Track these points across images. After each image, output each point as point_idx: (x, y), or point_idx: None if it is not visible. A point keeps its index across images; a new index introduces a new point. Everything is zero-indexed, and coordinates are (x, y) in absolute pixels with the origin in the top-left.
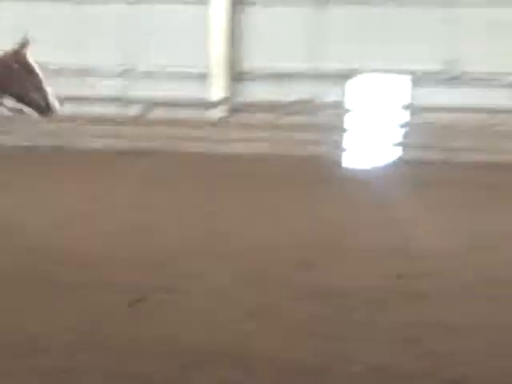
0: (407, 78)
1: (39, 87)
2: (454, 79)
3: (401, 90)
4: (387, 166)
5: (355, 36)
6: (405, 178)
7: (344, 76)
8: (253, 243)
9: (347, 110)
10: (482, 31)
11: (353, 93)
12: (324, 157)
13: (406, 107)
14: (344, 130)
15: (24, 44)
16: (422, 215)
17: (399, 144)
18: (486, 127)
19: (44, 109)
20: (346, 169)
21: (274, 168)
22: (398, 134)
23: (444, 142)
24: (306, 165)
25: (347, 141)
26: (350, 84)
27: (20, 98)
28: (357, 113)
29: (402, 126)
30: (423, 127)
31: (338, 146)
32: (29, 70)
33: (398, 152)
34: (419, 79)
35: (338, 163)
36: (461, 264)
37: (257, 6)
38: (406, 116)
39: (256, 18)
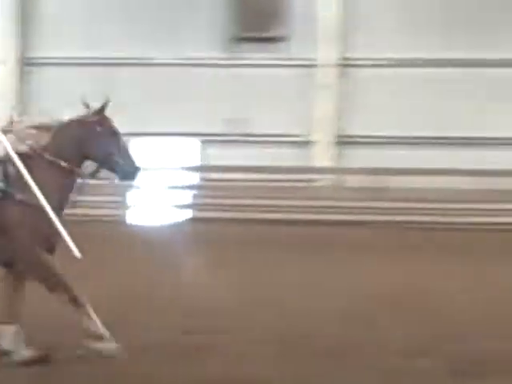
0: (195, 139)
1: (123, 151)
2: (242, 138)
3: (189, 150)
4: (175, 225)
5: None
6: (193, 236)
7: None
8: None
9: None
10: (269, 91)
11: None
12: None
13: (195, 168)
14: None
15: (105, 106)
16: (209, 273)
17: (188, 204)
18: (276, 186)
19: (129, 174)
20: (134, 227)
21: None
22: (187, 194)
23: (232, 200)
24: None
25: (135, 200)
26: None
27: (103, 162)
28: (145, 173)
29: (191, 186)
30: (211, 186)
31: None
32: (112, 133)
33: (186, 211)
34: (207, 140)
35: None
36: (248, 320)
37: None
38: (195, 176)
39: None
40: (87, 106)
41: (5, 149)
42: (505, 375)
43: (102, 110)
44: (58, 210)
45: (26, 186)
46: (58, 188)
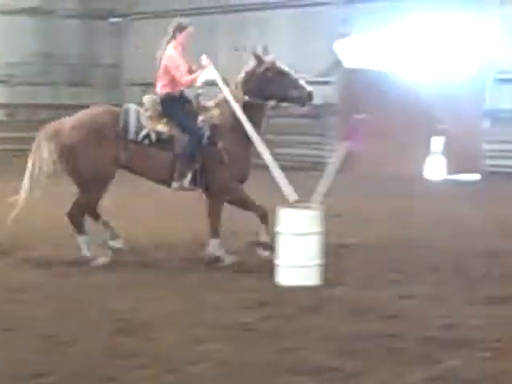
0: None
1: (295, 84)
2: None
3: None
4: None
5: None
6: None
7: None
8: None
9: None
10: None
11: None
12: None
13: None
14: None
15: (264, 52)
16: None
17: None
18: None
19: (305, 99)
20: None
21: None
22: None
23: None
24: None
25: None
26: None
27: (282, 99)
28: None
29: None
30: None
31: None
32: (282, 73)
33: None
34: None
35: None
36: None
37: None
38: None
39: None
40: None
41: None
42: None
43: (259, 58)
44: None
45: (224, 134)
46: (258, 126)
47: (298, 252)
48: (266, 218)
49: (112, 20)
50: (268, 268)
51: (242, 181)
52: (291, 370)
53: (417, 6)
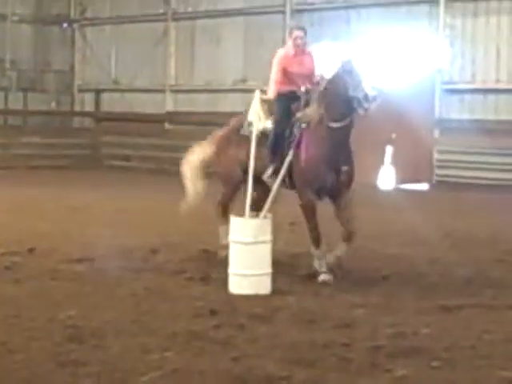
0: None
1: (358, 86)
2: None
3: None
4: None
5: None
6: None
7: None
8: None
9: None
10: None
11: None
12: None
13: None
14: None
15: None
16: None
17: None
18: None
19: (363, 103)
20: None
21: None
22: None
23: None
24: None
25: None
26: None
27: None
28: None
29: None
30: None
31: None
32: (349, 72)
33: None
34: None
35: None
36: None
37: None
38: None
39: None
40: None
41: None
42: None
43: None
44: None
45: (309, 137)
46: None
47: (248, 261)
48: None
49: (63, 26)
50: (220, 276)
51: (322, 193)
52: (241, 379)
53: (366, 17)
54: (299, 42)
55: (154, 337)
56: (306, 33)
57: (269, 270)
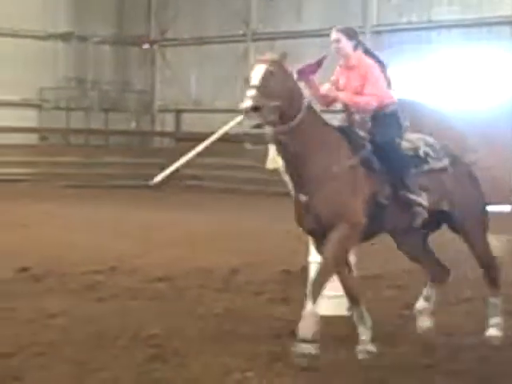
0: None
1: None
2: None
3: None
4: None
5: None
6: None
7: None
8: None
9: None
10: None
11: None
12: None
13: None
14: None
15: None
16: None
17: None
18: None
19: None
20: None
21: None
22: None
23: None
24: None
25: None
26: None
27: None
28: None
29: None
30: None
31: None
32: None
33: None
34: None
35: None
36: None
37: None
38: None
39: None
40: None
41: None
42: None
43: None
44: None
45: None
46: None
47: (330, 282)
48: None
49: (144, 46)
50: (301, 297)
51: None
52: None
53: (446, 37)
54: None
55: (235, 357)
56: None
57: None
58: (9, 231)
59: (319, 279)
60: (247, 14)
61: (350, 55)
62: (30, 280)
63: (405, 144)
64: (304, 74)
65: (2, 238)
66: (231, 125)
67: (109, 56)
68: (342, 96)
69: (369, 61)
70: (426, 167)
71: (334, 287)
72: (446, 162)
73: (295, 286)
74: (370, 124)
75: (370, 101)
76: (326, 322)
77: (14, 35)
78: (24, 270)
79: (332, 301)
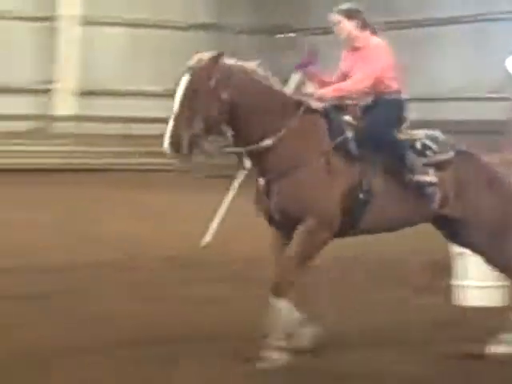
0: None
1: None
2: None
3: None
4: None
5: None
6: None
7: None
8: None
9: None
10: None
11: None
12: None
13: None
14: None
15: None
16: None
17: None
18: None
19: None
20: None
21: None
22: None
23: None
24: None
25: None
26: None
27: None
28: None
29: None
30: None
31: None
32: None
33: None
34: None
35: None
36: None
37: None
38: None
39: None
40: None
41: None
42: None
43: None
44: None
45: None
46: None
47: (481, 272)
48: None
49: (285, 35)
50: (445, 287)
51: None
52: None
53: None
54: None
55: (387, 347)
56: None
57: (503, 282)
58: (155, 221)
59: (282, 279)
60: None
61: (353, 36)
62: (177, 268)
63: (401, 136)
64: (302, 66)
65: (152, 228)
66: None
67: (249, 45)
68: (326, 92)
69: (376, 40)
70: (423, 161)
71: (484, 276)
72: (451, 154)
73: (439, 277)
74: (359, 110)
75: (358, 82)
76: (476, 312)
77: (157, 26)
78: (170, 258)
79: (482, 291)
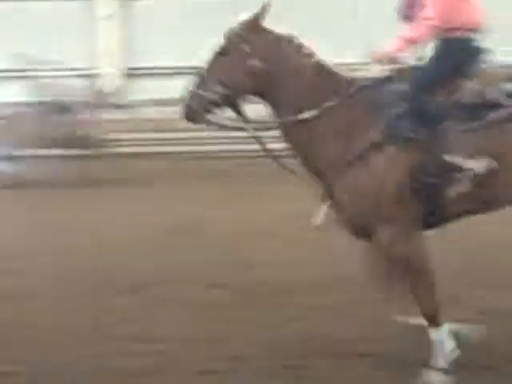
0: None
1: None
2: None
3: None
4: None
5: None
6: None
7: None
8: None
9: None
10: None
11: None
12: None
13: None
14: None
15: None
16: None
17: None
18: None
19: None
20: None
21: None
22: None
23: None
24: None
25: None
26: None
27: None
28: None
29: None
30: None
31: None
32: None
33: None
34: None
35: None
36: None
37: None
38: None
39: None
40: None
41: None
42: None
43: None
44: None
45: None
46: None
47: None
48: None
49: None
50: None
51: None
52: None
53: None
54: None
55: None
56: None
57: None
58: None
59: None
60: None
61: None
62: None
63: (470, 86)
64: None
65: None
66: None
67: None
68: (389, 49)
69: None
70: (490, 117)
71: None
72: None
73: None
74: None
75: (424, 30)
76: None
77: None
78: None
79: None
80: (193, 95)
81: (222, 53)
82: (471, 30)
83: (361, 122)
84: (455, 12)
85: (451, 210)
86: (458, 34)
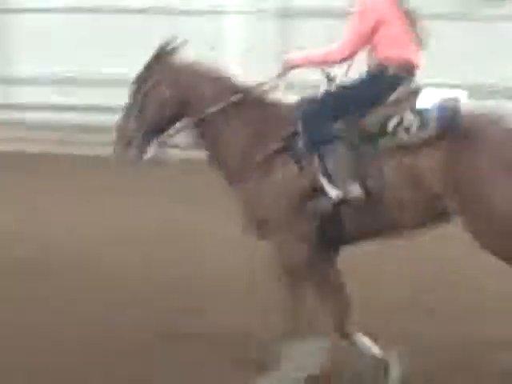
0: None
1: None
2: None
3: None
4: None
5: None
6: None
7: None
8: None
9: None
10: None
11: None
12: None
13: None
14: None
15: None
16: None
17: None
18: None
19: None
20: None
21: None
22: None
23: None
24: None
25: None
26: None
27: None
28: None
29: None
30: None
31: None
32: None
33: None
34: None
35: None
36: None
37: None
38: None
39: None
40: None
41: None
42: None
43: None
44: None
45: None
46: None
47: None
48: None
49: None
50: None
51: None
52: None
53: None
54: None
55: None
56: None
57: None
58: None
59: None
60: None
61: None
62: None
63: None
64: None
65: None
66: None
67: None
68: (295, 58)
69: None
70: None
71: None
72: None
73: None
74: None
75: (334, 51)
76: None
77: None
78: None
79: None
80: (121, 132)
81: (136, 88)
82: (405, 67)
83: (263, 128)
84: (390, 43)
85: (348, 228)
86: (392, 68)
